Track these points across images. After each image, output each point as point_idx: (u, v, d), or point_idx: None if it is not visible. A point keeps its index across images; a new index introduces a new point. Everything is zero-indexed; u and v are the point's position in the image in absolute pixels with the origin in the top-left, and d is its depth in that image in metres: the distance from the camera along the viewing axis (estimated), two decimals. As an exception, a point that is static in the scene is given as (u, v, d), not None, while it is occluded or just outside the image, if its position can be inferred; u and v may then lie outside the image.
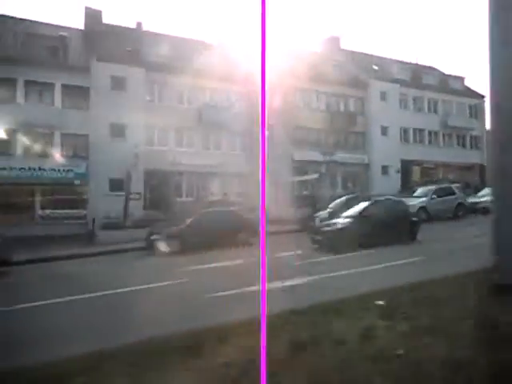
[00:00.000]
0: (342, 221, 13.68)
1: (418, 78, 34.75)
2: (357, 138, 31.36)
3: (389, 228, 13.05)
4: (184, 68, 22.99)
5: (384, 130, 31.57)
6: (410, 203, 17.62)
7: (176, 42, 26.84)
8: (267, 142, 21.88)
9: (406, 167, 32.70)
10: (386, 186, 29.70)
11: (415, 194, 21.74)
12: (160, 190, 24.33)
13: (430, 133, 34.51)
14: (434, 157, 33.85)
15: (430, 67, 38.78)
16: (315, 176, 26.74)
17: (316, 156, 27.71)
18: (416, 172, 33.47)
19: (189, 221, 14.91)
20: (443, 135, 35.20)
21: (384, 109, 31.27)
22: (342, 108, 30.81)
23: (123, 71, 23.12)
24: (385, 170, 31.60)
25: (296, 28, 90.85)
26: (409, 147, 32.97)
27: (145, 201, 23.80)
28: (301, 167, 28.09)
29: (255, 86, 22.33)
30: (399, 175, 32.18)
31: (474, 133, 36.41)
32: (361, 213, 13.71)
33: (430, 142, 34.60)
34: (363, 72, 32.36)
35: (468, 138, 36.50)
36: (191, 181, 25.64)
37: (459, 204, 20.76)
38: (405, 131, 33.27)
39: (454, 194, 21.24)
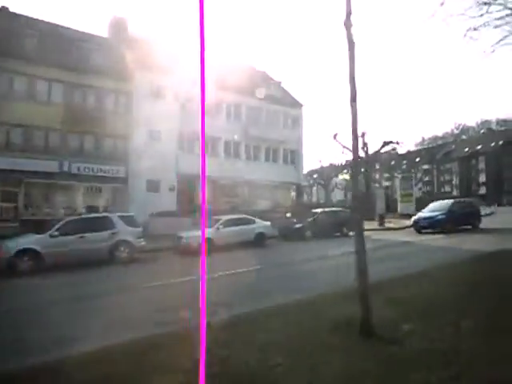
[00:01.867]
0: None
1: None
2: (113, 144, 23.89)
3: None
4: None
5: (155, 135, 24.59)
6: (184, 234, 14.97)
7: None
8: None
9: (190, 183, 25.90)
10: (152, 206, 22.57)
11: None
12: None
13: (227, 143, 28.30)
14: (233, 172, 27.58)
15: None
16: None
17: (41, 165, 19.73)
18: (208, 190, 26.79)
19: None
20: (246, 147, 29.24)
21: (158, 109, 24.43)
22: (90, 102, 23.27)
23: None
24: (153, 185, 24.41)
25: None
26: (195, 158, 26.30)
27: None
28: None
29: None
30: (175, 193, 25.23)
31: (288, 146, 31.07)
32: None
33: (227, 153, 28.34)
34: (134, 62, 25.37)
35: (281, 152, 31.00)
36: None
37: (259, 234, 16.79)
38: (192, 137, 26.65)
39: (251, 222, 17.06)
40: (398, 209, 33.49)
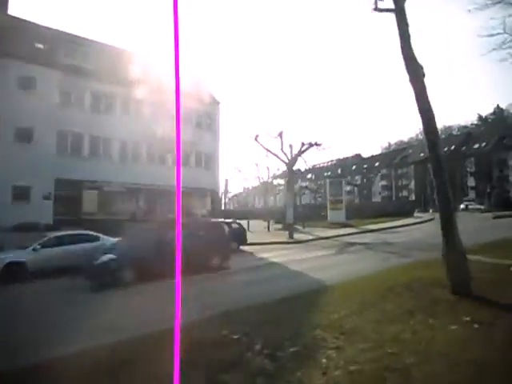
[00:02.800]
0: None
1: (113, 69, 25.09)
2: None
3: None
4: None
5: (23, 134, 20.76)
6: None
7: None
8: None
9: (73, 191, 22.17)
10: (18, 217, 18.80)
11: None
12: None
13: (123, 143, 24.73)
14: (129, 177, 24.01)
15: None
16: None
17: None
18: (91, 199, 23.11)
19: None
20: (149, 148, 25.75)
21: (30, 104, 20.67)
22: None
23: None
24: (20, 193, 20.53)
25: None
26: (79, 162, 22.61)
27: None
28: None
29: None
30: (51, 202, 21.43)
31: (202, 148, 27.76)
32: None
33: (123, 156, 24.75)
34: None
35: (193, 154, 27.65)
36: None
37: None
38: (75, 138, 22.96)
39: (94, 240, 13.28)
40: (328, 217, 30.75)
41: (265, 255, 15.37)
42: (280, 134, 26.35)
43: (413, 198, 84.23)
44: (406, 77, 6.79)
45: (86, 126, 23.05)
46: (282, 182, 44.78)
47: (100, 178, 23.16)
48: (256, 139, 27.79)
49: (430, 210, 64.12)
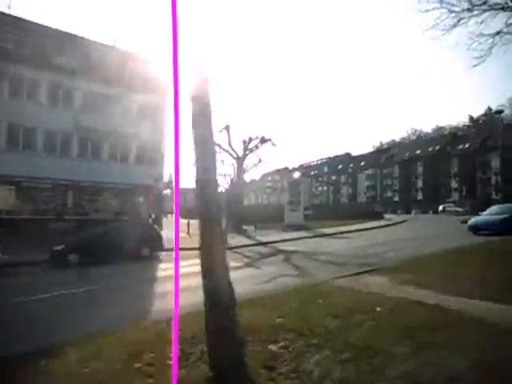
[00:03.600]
0: None
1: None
2: None
3: None
4: None
5: None
6: None
7: None
8: None
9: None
10: None
11: None
12: None
13: (49, 134, 22.31)
14: (57, 172, 21.62)
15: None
16: None
17: None
18: (8, 194, 20.73)
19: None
20: (81, 141, 23.37)
21: None
22: None
23: None
24: None
25: None
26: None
27: None
28: None
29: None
30: None
31: (145, 141, 25.34)
32: None
33: (47, 149, 22.30)
34: None
35: (133, 149, 25.30)
36: None
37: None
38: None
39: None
40: (285, 219, 28.55)
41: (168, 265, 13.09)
42: (226, 128, 24.03)
43: (396, 198, 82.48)
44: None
45: (2, 113, 20.64)
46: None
47: (19, 172, 20.73)
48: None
49: (413, 212, 62.34)
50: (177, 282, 6.79)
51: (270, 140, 24.32)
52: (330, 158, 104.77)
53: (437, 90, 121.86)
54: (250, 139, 24.09)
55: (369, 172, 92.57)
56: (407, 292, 6.49)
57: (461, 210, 46.67)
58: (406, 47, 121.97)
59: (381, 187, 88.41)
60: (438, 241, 14.97)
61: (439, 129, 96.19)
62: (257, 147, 25.12)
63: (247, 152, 25.28)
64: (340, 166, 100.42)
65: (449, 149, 71.49)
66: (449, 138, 75.62)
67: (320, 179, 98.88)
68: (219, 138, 24.81)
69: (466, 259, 9.41)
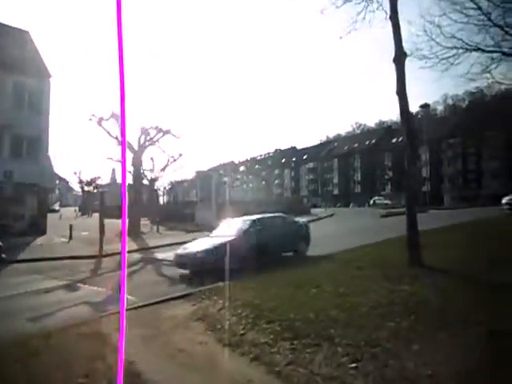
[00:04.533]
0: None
1: None
2: None
3: None
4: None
5: None
6: None
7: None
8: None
9: None
10: None
11: None
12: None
13: None
14: None
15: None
16: None
17: None
18: None
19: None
20: None
21: None
22: None
23: None
24: None
25: None
26: None
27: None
28: None
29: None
30: None
31: (23, 131, 21.93)
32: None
33: None
34: None
35: (7, 140, 21.77)
36: None
37: None
38: None
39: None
40: (196, 217, 26.30)
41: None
42: (113, 116, 20.98)
43: (336, 191, 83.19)
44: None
45: None
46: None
47: None
48: (100, 124, 22.43)
49: (351, 205, 62.59)
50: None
51: (168, 131, 21.85)
52: (275, 151, 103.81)
53: (379, 84, 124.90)
54: (145, 129, 21.48)
55: (310, 165, 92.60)
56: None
57: (389, 202, 47.02)
58: (349, 40, 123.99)
59: (322, 181, 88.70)
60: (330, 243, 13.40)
61: (381, 123, 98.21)
62: (152, 140, 22.47)
63: (147, 143, 22.59)
64: (283, 160, 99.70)
65: (384, 142, 72.69)
66: (384, 132, 76.96)
67: (251, 176, 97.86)
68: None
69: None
